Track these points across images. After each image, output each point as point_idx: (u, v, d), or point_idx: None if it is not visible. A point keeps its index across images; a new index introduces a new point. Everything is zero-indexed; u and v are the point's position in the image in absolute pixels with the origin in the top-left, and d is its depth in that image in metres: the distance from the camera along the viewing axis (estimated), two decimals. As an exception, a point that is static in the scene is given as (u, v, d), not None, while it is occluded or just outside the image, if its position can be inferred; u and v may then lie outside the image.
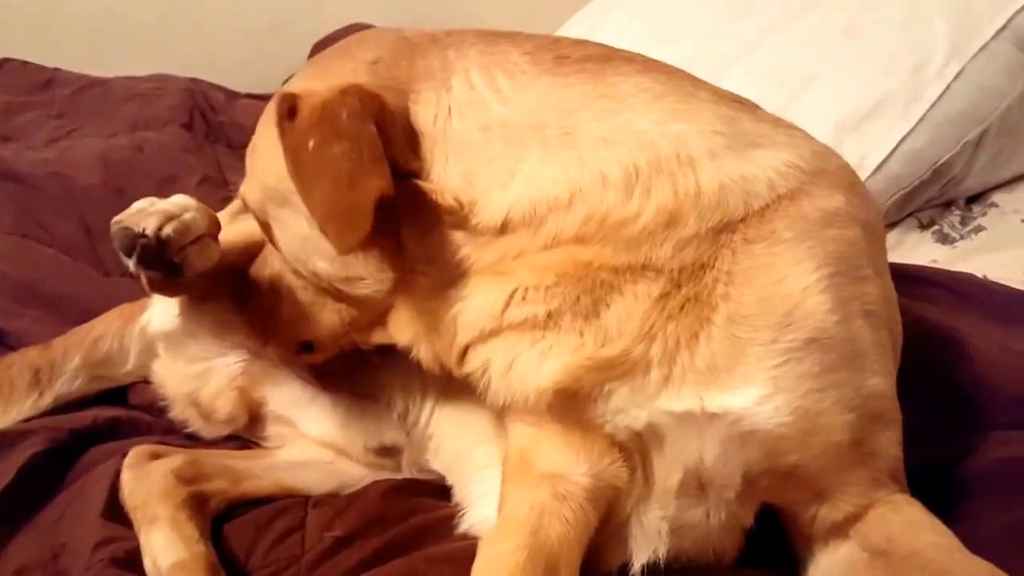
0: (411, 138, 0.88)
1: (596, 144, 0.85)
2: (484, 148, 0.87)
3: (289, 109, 0.86)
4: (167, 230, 0.98)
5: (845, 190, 0.90)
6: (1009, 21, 1.65)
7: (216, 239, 1.06)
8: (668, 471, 0.87)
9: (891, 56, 1.69)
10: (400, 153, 0.86)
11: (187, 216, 1.01)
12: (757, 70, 1.80)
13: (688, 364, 0.83)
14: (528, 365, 0.86)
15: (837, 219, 0.87)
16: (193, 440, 1.26)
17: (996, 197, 1.75)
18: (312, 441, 1.21)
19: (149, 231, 0.98)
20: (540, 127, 0.86)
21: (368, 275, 0.93)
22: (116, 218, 1.02)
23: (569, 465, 0.88)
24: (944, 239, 1.66)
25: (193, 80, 2.44)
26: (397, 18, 2.75)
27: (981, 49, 1.65)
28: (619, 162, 0.84)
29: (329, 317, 1.02)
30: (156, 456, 1.12)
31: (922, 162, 1.64)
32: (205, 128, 2.23)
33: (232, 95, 2.49)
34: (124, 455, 1.13)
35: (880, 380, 0.87)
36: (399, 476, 1.17)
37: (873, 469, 0.88)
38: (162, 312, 1.27)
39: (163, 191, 1.88)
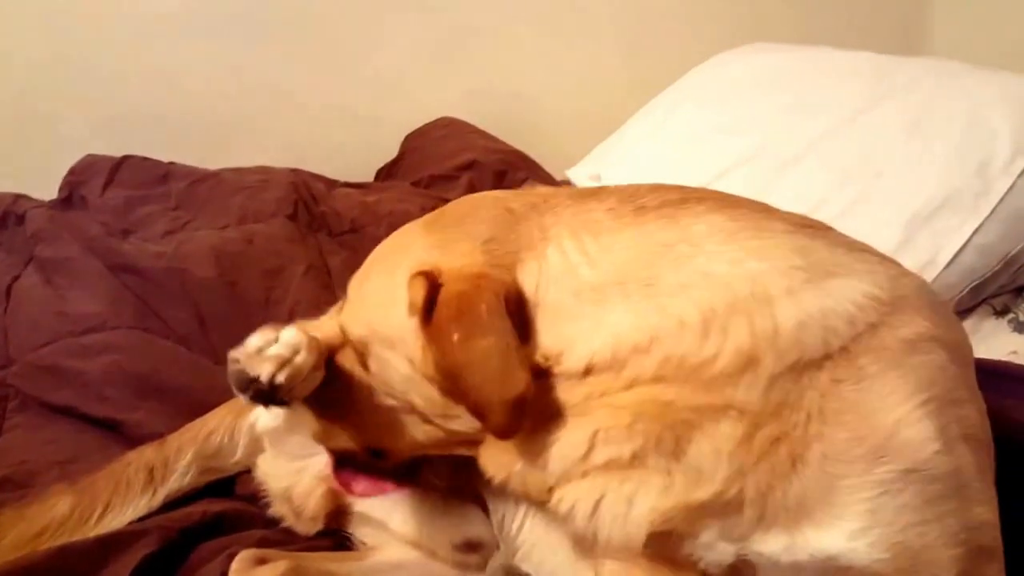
0: (520, 308, 0.87)
1: (674, 291, 0.84)
2: (574, 310, 0.86)
3: (426, 297, 0.87)
4: (280, 378, 0.96)
5: (927, 313, 0.84)
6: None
7: (322, 368, 1.04)
8: None
9: (955, 153, 1.63)
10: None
11: (298, 360, 0.98)
12: (823, 166, 1.74)
13: (780, 502, 0.78)
14: (616, 508, 0.82)
15: (920, 345, 0.81)
16: (291, 535, 1.23)
17: (1067, 284, 1.65)
18: (401, 540, 1.16)
19: (264, 378, 0.96)
20: (623, 283, 0.86)
21: (464, 414, 0.90)
22: (233, 354, 1.00)
23: None
24: (1021, 328, 1.57)
25: (294, 171, 2.44)
26: (479, 113, 2.77)
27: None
28: (696, 306, 0.82)
29: (411, 434, 0.99)
30: (262, 561, 1.09)
31: (994, 254, 1.57)
32: (308, 218, 2.22)
33: (331, 183, 2.48)
34: (230, 555, 1.10)
35: (985, 509, 0.80)
36: (486, 578, 1.12)
37: None
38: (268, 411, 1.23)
39: (272, 281, 1.92)
